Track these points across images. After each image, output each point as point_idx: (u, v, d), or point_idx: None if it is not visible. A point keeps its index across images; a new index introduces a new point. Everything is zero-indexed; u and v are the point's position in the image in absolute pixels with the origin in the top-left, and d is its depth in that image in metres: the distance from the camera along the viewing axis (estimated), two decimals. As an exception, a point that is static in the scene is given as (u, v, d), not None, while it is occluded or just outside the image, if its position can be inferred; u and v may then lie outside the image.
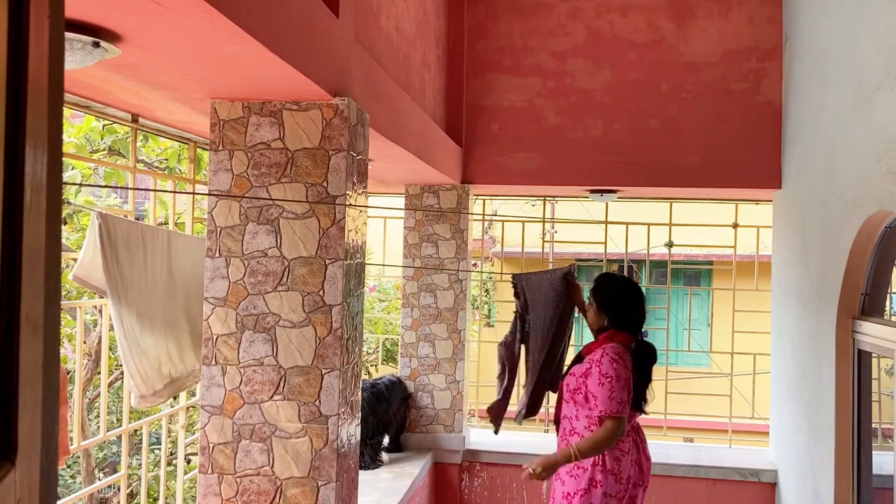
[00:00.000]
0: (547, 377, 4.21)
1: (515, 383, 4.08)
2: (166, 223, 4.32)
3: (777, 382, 4.80)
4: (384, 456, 4.74)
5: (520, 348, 4.02)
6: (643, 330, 3.20)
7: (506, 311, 10.46)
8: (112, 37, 1.88)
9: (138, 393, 2.97)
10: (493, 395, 4.01)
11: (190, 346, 3.25)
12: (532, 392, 4.08)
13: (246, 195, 2.56)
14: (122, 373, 4.67)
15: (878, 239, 3.18)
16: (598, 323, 3.18)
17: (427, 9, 4.37)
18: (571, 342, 4.03)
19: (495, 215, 8.56)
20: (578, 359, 3.15)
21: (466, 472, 5.07)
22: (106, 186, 3.90)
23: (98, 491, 5.52)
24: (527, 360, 4.00)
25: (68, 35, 1.82)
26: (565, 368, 3.27)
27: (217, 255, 2.58)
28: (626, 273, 5.14)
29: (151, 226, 3.28)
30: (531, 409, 4.03)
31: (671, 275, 5.74)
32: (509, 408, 4.04)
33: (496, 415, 4.02)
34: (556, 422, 3.25)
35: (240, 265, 2.56)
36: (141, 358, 2.96)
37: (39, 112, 0.52)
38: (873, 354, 3.33)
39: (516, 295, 3.99)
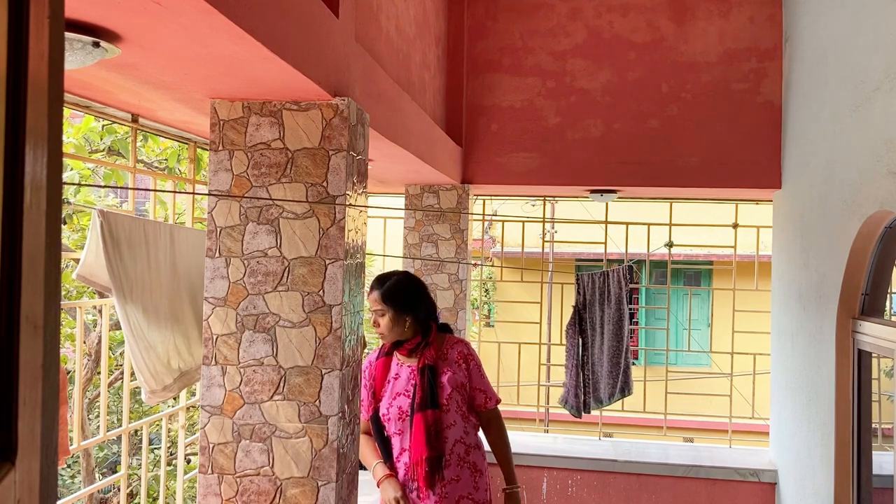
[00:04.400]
0: (615, 377, 4.80)
1: (580, 373, 4.72)
2: (167, 222, 4.32)
3: (777, 382, 4.80)
4: (384, 456, 4.74)
5: (578, 342, 4.67)
6: (439, 313, 2.96)
7: (506, 311, 10.46)
8: (112, 37, 1.88)
9: (148, 388, 2.97)
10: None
11: (197, 339, 3.25)
12: (588, 389, 4.62)
13: (246, 195, 2.56)
14: (122, 373, 4.67)
15: (878, 239, 3.18)
16: (398, 331, 2.72)
17: (427, 9, 4.37)
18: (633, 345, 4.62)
19: (495, 215, 8.56)
20: (431, 374, 2.65)
21: (466, 472, 5.07)
22: (106, 186, 3.90)
23: (98, 491, 5.52)
24: (584, 356, 4.59)
25: (68, 35, 1.82)
26: (417, 396, 2.66)
27: (217, 255, 2.58)
28: (625, 273, 5.13)
29: (153, 220, 3.28)
30: (585, 405, 4.59)
31: (671, 275, 5.74)
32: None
33: (570, 404, 4.65)
34: (436, 465, 2.61)
35: (240, 265, 2.56)
36: (149, 353, 2.97)
37: (39, 112, 0.52)
38: (873, 354, 3.33)
39: (578, 291, 4.71)
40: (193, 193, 4.00)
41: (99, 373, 4.18)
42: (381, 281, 2.76)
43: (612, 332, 4.96)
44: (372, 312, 2.72)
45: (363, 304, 2.84)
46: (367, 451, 2.73)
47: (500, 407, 2.95)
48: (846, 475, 3.40)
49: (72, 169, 4.93)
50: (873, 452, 3.37)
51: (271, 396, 2.54)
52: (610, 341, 4.95)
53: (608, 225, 5.64)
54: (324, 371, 2.51)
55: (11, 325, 0.49)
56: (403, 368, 2.71)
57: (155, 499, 5.79)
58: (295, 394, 2.52)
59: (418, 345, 2.71)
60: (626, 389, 5.03)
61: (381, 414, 2.68)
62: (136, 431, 4.46)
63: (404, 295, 2.71)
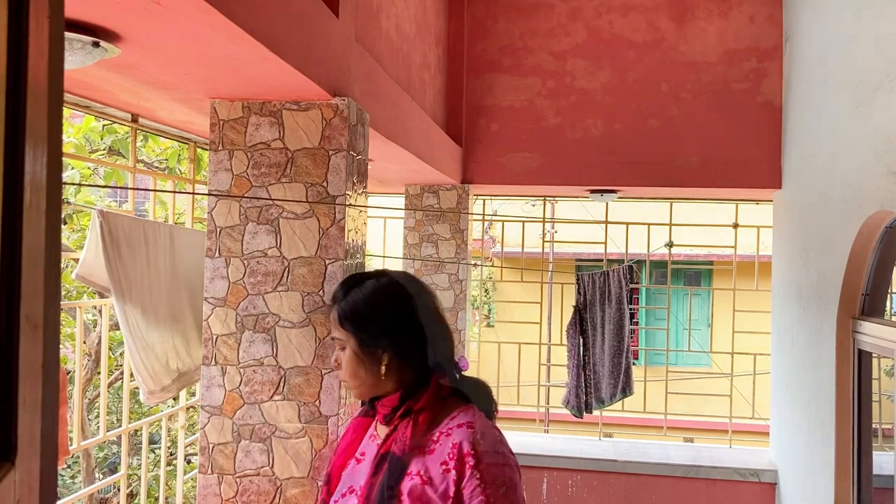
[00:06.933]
0: (616, 377, 4.83)
1: (581, 374, 4.75)
2: (166, 223, 4.32)
3: (777, 382, 4.80)
4: (384, 456, 4.74)
5: (579, 342, 4.72)
6: (460, 356, 1.55)
7: (506, 311, 10.45)
8: (112, 37, 1.88)
9: (146, 389, 2.97)
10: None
11: (196, 340, 3.25)
12: (590, 390, 4.66)
13: (246, 195, 2.56)
14: (122, 373, 4.67)
15: (878, 239, 3.18)
16: (366, 378, 1.44)
17: (427, 9, 4.37)
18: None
19: (495, 215, 8.56)
20: (391, 471, 1.36)
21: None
22: (106, 186, 3.90)
23: (98, 491, 5.52)
24: (585, 356, 4.62)
25: (68, 35, 1.82)
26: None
27: (217, 255, 2.58)
28: (625, 273, 5.12)
29: (153, 221, 3.28)
30: (587, 406, 4.62)
31: (671, 275, 5.73)
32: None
33: (572, 404, 4.67)
34: None
35: (240, 265, 2.56)
36: (148, 354, 2.97)
37: (39, 112, 0.52)
38: (873, 354, 3.33)
39: (579, 291, 4.74)
40: (193, 193, 4.00)
41: (99, 373, 4.18)
42: (345, 288, 1.50)
43: (613, 332, 4.97)
44: (332, 341, 1.52)
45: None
46: None
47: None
48: (846, 475, 3.40)
49: (72, 169, 4.93)
50: (873, 452, 3.37)
51: (271, 396, 2.54)
52: (610, 341, 4.96)
53: (608, 225, 5.64)
54: (324, 371, 2.51)
55: (11, 325, 0.49)
56: (372, 445, 1.49)
57: (155, 499, 5.80)
58: (295, 394, 2.52)
59: (395, 409, 1.44)
60: (626, 389, 5.03)
61: None
62: (136, 431, 4.46)
63: (380, 313, 1.46)
